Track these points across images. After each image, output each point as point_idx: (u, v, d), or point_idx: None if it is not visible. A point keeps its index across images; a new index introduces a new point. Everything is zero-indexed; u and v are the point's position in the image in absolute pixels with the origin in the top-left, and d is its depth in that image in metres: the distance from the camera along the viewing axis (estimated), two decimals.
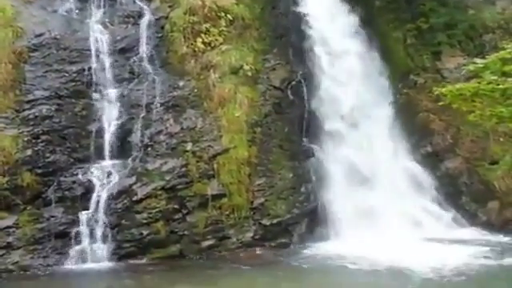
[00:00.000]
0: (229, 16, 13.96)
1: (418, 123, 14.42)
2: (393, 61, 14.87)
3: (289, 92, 13.92)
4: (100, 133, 12.69)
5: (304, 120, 13.81)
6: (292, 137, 13.59)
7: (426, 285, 9.77)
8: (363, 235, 12.33)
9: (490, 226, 13.17)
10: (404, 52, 14.96)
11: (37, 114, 12.43)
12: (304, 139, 13.81)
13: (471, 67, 9.36)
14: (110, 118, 12.90)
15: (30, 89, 12.66)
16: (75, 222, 11.73)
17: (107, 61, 13.44)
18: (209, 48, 13.70)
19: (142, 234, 11.88)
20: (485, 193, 13.55)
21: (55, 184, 12.02)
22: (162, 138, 12.80)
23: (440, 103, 10.72)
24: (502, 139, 13.98)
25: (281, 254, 11.97)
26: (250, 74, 13.59)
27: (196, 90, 13.33)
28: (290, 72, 14.11)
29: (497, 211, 13.38)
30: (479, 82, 9.16)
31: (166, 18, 14.10)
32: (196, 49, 13.67)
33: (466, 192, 13.73)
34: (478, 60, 9.38)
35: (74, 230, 11.66)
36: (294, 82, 14.01)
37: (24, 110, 12.44)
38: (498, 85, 8.86)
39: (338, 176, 13.44)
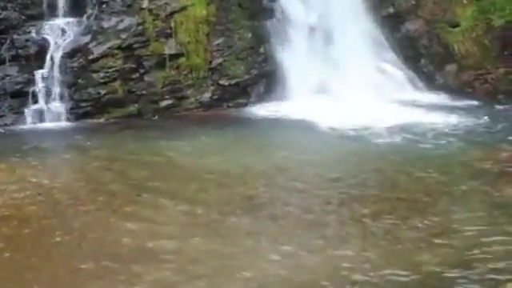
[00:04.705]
0: None
1: None
2: None
3: None
4: None
5: None
6: None
7: (377, 143, 10.89)
8: (320, 97, 13.27)
9: (446, 89, 14.16)
10: None
11: None
12: None
13: None
14: None
15: None
16: (31, 81, 12.38)
17: None
18: None
19: (99, 93, 12.62)
20: (444, 56, 14.47)
21: (8, 42, 12.53)
22: None
23: None
24: (465, 1, 14.74)
25: (239, 114, 12.92)
26: None
27: None
28: None
29: (454, 74, 14.37)
30: None
31: None
32: None
33: (425, 54, 14.61)
34: None
35: (30, 89, 12.35)
36: None
37: None
38: None
39: (297, 37, 14.13)
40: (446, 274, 6.37)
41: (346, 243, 7.18)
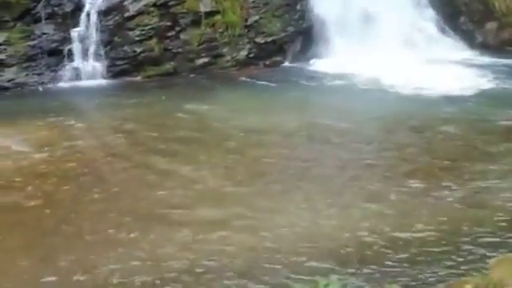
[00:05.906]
0: None
1: None
2: None
3: None
4: None
5: None
6: None
7: (417, 102, 10.93)
8: (358, 55, 13.25)
9: (486, 47, 14.07)
10: None
11: None
12: None
13: None
14: None
15: None
16: (67, 40, 12.57)
17: None
18: None
19: (135, 51, 12.79)
20: (484, 13, 14.34)
21: (44, 0, 12.71)
22: None
23: None
24: None
25: (275, 72, 13.01)
26: None
27: None
28: None
29: (494, 32, 14.25)
30: None
31: None
32: None
33: (465, 12, 14.48)
34: None
35: (66, 48, 12.55)
36: None
37: None
38: None
39: None
40: (477, 235, 6.48)
41: (375, 201, 7.30)
